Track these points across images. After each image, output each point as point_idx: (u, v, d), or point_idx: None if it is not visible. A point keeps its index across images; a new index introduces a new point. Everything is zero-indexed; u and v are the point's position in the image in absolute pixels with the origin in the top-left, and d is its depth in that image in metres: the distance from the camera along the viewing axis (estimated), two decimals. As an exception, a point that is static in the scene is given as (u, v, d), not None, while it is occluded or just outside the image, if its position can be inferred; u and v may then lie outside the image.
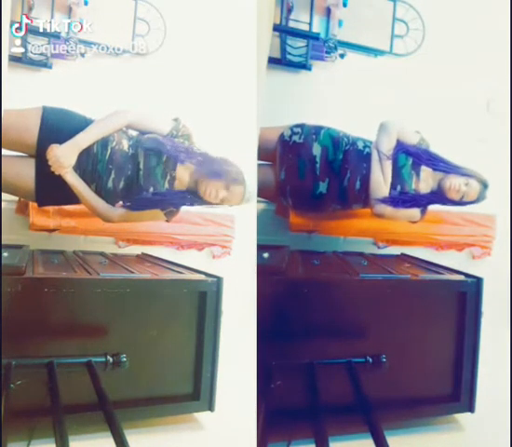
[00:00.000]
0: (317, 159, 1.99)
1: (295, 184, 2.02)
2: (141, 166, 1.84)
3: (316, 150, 2.00)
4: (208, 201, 1.85)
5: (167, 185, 1.86)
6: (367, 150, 2.00)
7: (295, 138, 2.02)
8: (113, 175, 1.83)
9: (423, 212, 2.03)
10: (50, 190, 1.85)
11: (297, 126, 2.05)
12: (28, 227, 2.32)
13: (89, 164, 1.82)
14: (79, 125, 1.84)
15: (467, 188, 1.94)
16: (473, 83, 2.66)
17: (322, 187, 2.00)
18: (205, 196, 1.83)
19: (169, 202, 1.90)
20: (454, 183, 1.94)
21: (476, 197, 1.97)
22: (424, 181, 1.99)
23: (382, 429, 1.24)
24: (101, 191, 1.85)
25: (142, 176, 1.84)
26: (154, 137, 1.89)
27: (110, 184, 1.84)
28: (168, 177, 1.86)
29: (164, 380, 1.74)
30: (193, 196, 1.88)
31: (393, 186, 1.96)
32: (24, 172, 1.83)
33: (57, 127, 1.82)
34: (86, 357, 1.55)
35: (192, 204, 1.94)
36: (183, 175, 1.87)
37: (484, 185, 1.97)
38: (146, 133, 1.90)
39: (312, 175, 2.00)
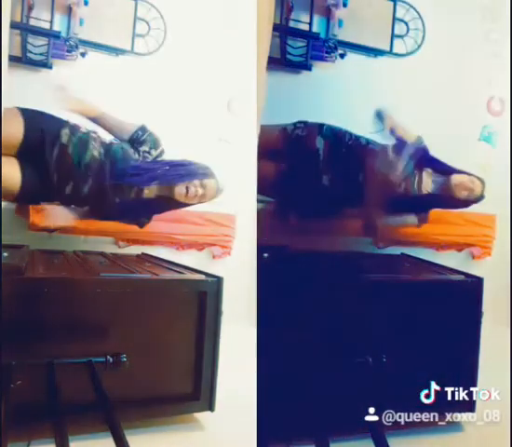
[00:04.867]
0: (321, 152, 1.99)
1: (298, 178, 2.01)
2: (108, 176, 1.86)
3: (320, 143, 2.00)
4: (185, 202, 1.89)
5: (134, 195, 1.88)
6: (370, 146, 2.00)
7: (298, 131, 2.03)
8: (90, 182, 1.85)
9: (422, 219, 2.03)
10: (33, 188, 1.86)
11: (300, 122, 2.06)
12: (27, 227, 2.32)
13: (66, 164, 1.83)
14: (57, 124, 1.87)
15: (473, 185, 1.96)
16: (473, 82, 2.66)
17: (325, 180, 1.99)
18: (181, 198, 1.86)
19: (138, 212, 1.94)
20: (463, 180, 1.96)
21: (480, 194, 1.99)
22: (425, 183, 1.99)
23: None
24: (75, 193, 1.86)
25: (109, 186, 1.86)
26: (119, 147, 1.90)
27: (86, 190, 1.85)
28: (136, 188, 1.88)
29: (164, 380, 1.74)
30: (165, 201, 1.90)
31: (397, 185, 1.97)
32: (9, 172, 1.83)
33: (39, 128, 1.84)
34: (86, 357, 1.55)
35: (165, 210, 1.98)
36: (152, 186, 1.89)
37: (482, 183, 1.99)
38: (111, 132, 1.94)
39: (315, 168, 1.99)
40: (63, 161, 1.83)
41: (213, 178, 1.87)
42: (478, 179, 1.99)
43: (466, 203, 2.02)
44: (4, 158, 1.84)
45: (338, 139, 2.01)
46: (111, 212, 1.91)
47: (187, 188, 1.84)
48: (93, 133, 1.90)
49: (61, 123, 1.89)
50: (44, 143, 1.82)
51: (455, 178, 1.97)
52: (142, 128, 1.95)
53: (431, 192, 1.99)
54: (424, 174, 1.98)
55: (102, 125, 1.93)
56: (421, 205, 2.01)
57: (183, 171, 1.87)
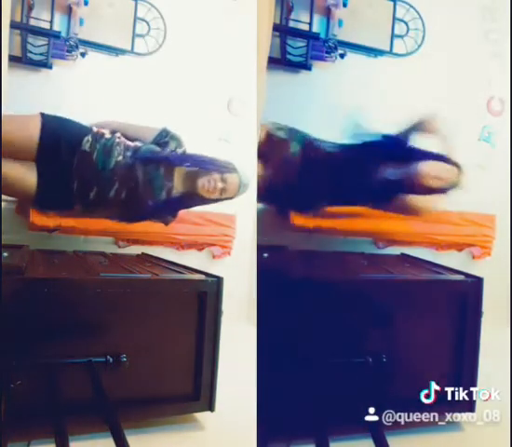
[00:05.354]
0: (297, 155, 2.00)
1: (280, 179, 2.03)
2: (140, 179, 1.86)
3: (295, 147, 2.01)
4: (207, 197, 1.90)
5: (165, 195, 1.89)
6: (330, 149, 2.02)
7: (280, 133, 2.04)
8: (116, 186, 1.85)
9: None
10: (51, 195, 1.87)
11: (276, 123, 2.08)
12: (28, 227, 2.32)
13: (89, 171, 1.84)
14: (77, 131, 1.87)
15: (446, 173, 1.89)
16: (473, 82, 2.66)
17: (305, 182, 2.01)
18: (204, 192, 1.87)
19: (166, 210, 1.94)
20: (432, 169, 1.88)
21: (456, 181, 1.90)
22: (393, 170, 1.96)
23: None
24: (101, 198, 1.87)
25: (142, 189, 1.87)
26: (148, 148, 1.91)
27: (112, 194, 1.86)
28: (166, 187, 1.89)
29: (164, 380, 1.74)
30: (190, 197, 1.92)
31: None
32: (26, 176, 1.84)
33: (56, 134, 1.84)
34: (86, 357, 1.55)
35: (190, 206, 1.99)
36: (178, 180, 1.90)
37: (459, 169, 1.91)
38: (133, 139, 1.95)
39: (295, 171, 2.01)
40: (86, 168, 1.83)
41: (235, 173, 1.89)
42: (455, 165, 1.90)
43: (439, 191, 1.93)
44: (21, 162, 1.84)
45: (309, 144, 2.03)
46: (141, 213, 1.93)
47: (208, 181, 1.86)
48: (118, 138, 1.90)
49: (84, 131, 1.88)
50: (60, 150, 1.83)
51: (423, 167, 1.88)
52: (165, 130, 1.98)
53: (395, 179, 1.94)
54: (389, 164, 1.95)
55: (124, 135, 1.94)
56: (387, 192, 1.96)
57: (206, 159, 1.90)
